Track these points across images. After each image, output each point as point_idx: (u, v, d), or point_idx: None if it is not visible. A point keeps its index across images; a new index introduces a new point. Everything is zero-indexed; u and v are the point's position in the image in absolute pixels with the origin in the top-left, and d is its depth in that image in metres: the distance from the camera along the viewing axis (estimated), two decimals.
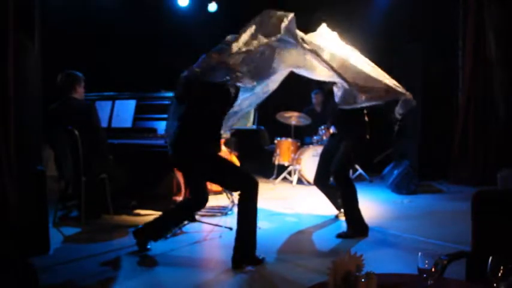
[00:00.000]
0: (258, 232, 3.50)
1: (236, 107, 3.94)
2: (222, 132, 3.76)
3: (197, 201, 3.89)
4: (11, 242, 2.86)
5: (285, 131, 7.36)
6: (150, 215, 4.84)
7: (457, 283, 1.75)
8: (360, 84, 3.92)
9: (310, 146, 7.14)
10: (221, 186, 4.56)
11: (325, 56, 3.89)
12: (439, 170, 7.16)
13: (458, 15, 7.03)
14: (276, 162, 7.27)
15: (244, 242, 3.47)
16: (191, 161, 3.59)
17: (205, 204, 3.97)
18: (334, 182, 4.50)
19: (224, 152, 5.97)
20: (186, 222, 4.54)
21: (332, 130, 4.81)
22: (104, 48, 7.48)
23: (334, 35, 4.20)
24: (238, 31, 3.54)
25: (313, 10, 8.10)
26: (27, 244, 3.24)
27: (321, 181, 4.83)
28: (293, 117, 7.08)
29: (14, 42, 2.82)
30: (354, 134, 4.44)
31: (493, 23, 6.62)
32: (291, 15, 3.49)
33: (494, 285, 1.43)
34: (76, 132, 4.40)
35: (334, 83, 4.17)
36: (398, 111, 4.19)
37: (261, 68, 3.61)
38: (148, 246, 3.85)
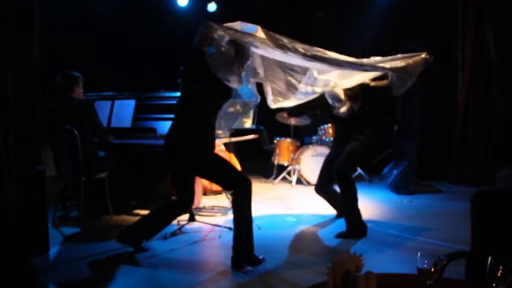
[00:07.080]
0: (258, 232, 3.50)
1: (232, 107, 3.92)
2: (219, 131, 3.72)
3: (182, 202, 3.76)
4: (10, 242, 2.85)
5: (285, 131, 7.36)
6: None
7: (456, 283, 1.75)
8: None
9: (310, 146, 7.15)
10: (213, 182, 4.53)
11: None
12: (439, 169, 7.16)
13: (457, 15, 7.03)
14: (276, 162, 7.28)
15: (242, 241, 3.47)
16: (182, 153, 3.49)
17: (190, 206, 3.88)
18: (336, 179, 4.42)
19: (223, 151, 5.97)
20: (185, 222, 4.55)
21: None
22: (103, 48, 7.48)
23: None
24: None
25: (313, 10, 8.13)
26: (26, 244, 3.24)
27: (323, 188, 4.79)
28: (292, 118, 7.08)
29: (13, 42, 2.82)
30: (367, 136, 4.33)
31: (493, 23, 6.62)
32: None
33: (494, 285, 1.43)
34: (75, 131, 4.40)
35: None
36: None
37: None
38: (147, 247, 3.86)
